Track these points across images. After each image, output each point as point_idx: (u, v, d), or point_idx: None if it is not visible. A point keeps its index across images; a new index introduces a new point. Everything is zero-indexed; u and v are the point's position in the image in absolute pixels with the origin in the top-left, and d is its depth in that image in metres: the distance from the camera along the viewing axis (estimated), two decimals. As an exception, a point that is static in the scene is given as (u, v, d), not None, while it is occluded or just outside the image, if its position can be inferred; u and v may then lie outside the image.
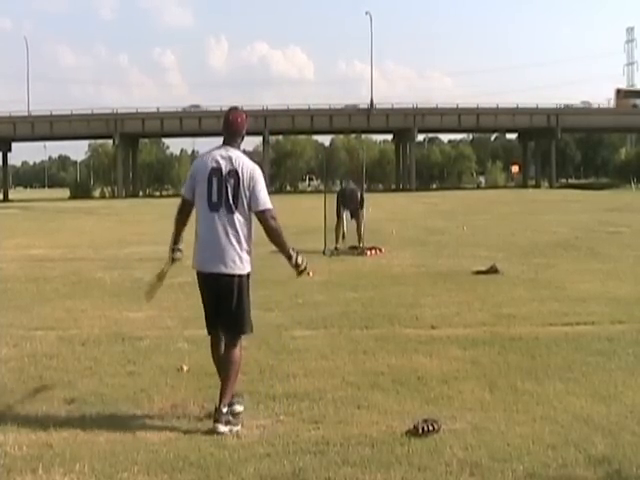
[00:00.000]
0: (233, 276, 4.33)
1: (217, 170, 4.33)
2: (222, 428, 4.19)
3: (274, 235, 4.37)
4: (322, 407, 4.62)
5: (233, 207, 4.30)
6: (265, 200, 4.36)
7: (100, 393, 4.96)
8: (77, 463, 3.73)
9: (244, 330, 4.46)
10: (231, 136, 4.46)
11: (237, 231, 4.31)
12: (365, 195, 15.25)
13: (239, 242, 4.32)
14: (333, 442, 3.99)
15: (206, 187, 4.34)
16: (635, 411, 4.50)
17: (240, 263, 4.34)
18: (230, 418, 4.27)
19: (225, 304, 4.37)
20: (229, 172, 4.31)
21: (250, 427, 4.28)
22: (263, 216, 4.35)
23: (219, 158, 4.36)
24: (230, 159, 4.35)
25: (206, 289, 4.44)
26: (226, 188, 4.30)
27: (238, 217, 4.31)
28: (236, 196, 4.30)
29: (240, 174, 4.30)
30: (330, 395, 4.85)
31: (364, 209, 14.88)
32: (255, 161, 4.50)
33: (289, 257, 4.46)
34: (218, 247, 4.32)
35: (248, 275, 4.42)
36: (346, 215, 14.84)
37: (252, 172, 4.34)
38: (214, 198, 4.32)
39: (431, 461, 3.74)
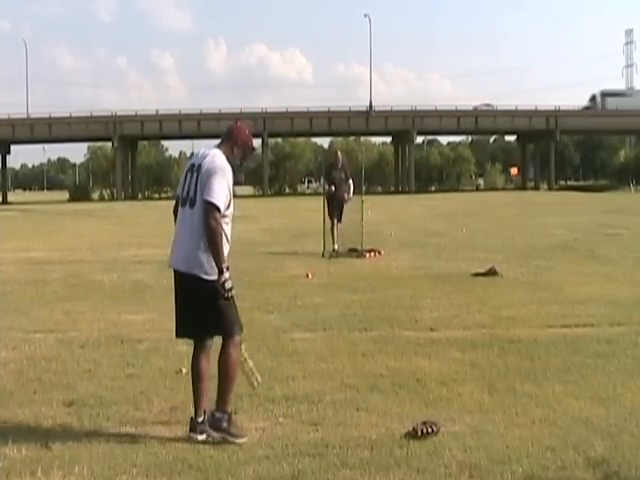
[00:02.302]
0: (196, 278, 4.10)
1: (192, 166, 4.24)
2: (199, 437, 4.11)
3: (207, 235, 4.02)
4: (321, 409, 4.62)
5: (193, 201, 4.13)
6: (212, 193, 4.03)
7: (99, 395, 4.96)
8: (76, 465, 3.74)
9: (225, 332, 4.16)
10: (223, 139, 4.33)
11: (198, 228, 4.08)
12: (363, 197, 15.21)
13: (201, 240, 4.07)
14: (332, 444, 3.99)
15: (182, 183, 4.29)
16: (634, 413, 4.50)
17: (205, 267, 4.08)
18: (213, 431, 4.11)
19: (194, 305, 4.18)
20: (197, 167, 4.18)
21: (249, 429, 4.27)
22: (203, 207, 4.04)
23: (199, 156, 4.29)
24: (204, 156, 4.22)
25: (175, 286, 4.29)
26: (190, 182, 4.18)
27: (198, 212, 4.10)
28: (196, 190, 4.12)
29: (202, 167, 4.14)
30: (329, 397, 4.85)
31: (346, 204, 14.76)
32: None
33: (219, 271, 4.02)
34: (180, 243, 4.21)
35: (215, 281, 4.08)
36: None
37: (211, 165, 4.12)
38: (183, 193, 4.23)
39: (430, 463, 3.74)
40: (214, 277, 4.07)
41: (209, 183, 4.07)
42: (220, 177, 4.10)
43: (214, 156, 4.21)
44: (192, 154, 4.53)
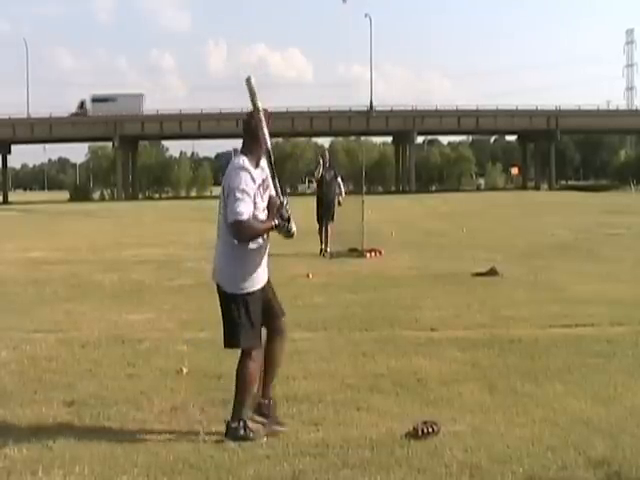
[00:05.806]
0: (221, 289, 4.20)
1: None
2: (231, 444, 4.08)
3: (247, 242, 4.10)
4: (322, 409, 4.62)
5: (222, 221, 4.16)
6: (232, 210, 4.01)
7: (100, 395, 4.96)
8: (77, 465, 3.74)
9: (229, 342, 4.21)
10: (244, 140, 4.25)
11: (226, 244, 4.13)
12: (364, 198, 15.21)
13: (227, 255, 4.15)
14: (333, 444, 3.99)
15: None
16: (635, 413, 4.50)
17: (229, 280, 4.16)
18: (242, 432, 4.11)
19: (222, 315, 4.26)
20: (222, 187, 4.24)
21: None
22: (230, 230, 4.06)
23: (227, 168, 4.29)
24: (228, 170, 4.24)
25: None
26: (220, 203, 4.26)
27: (223, 228, 4.15)
28: (224, 209, 4.13)
29: (223, 186, 4.16)
30: (330, 397, 4.85)
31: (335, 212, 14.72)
32: None
33: (274, 226, 4.16)
34: (215, 257, 4.26)
35: (239, 296, 4.14)
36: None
37: (227, 178, 4.12)
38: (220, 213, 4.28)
39: (431, 463, 3.74)
40: (232, 291, 4.14)
41: (229, 203, 4.05)
42: (234, 184, 4.05)
43: (230, 170, 4.15)
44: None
